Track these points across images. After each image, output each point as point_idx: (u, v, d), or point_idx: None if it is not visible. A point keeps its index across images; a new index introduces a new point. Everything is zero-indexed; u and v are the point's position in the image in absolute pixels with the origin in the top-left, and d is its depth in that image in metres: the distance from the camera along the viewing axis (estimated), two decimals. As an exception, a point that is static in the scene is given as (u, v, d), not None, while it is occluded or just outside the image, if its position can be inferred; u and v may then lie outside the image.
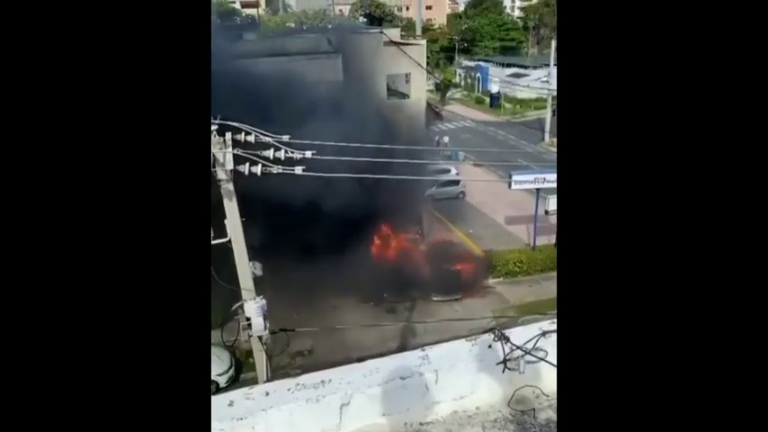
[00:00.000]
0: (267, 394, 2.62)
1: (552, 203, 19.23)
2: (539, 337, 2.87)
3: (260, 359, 9.41)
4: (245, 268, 8.69)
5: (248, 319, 8.82)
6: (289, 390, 2.64)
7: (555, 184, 18.72)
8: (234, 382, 12.43)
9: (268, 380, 8.99)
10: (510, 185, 19.98)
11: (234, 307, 8.86)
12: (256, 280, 8.94)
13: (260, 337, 9.05)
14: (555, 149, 30.87)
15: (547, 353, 2.78)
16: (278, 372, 9.90)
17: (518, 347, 2.80)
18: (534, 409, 2.73)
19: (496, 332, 2.87)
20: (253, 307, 8.75)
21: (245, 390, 2.66)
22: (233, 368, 13.01)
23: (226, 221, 8.20)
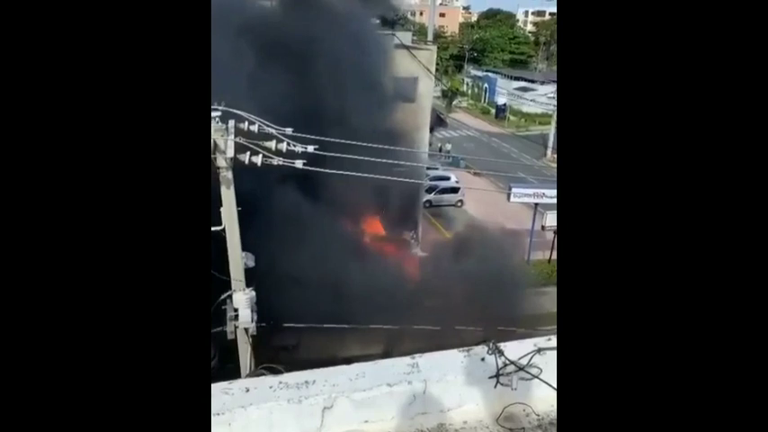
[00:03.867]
0: (247, 390, 2.51)
1: (549, 219, 19.23)
2: (534, 353, 2.77)
3: (244, 351, 9.30)
4: (238, 258, 8.58)
5: (236, 310, 8.71)
6: (271, 387, 2.53)
7: (554, 200, 18.76)
8: (218, 372, 12.30)
9: (250, 372, 8.89)
10: (509, 197, 19.97)
11: (222, 297, 8.74)
12: (247, 271, 8.83)
13: (246, 329, 8.94)
14: (556, 165, 30.86)
15: (541, 370, 2.68)
16: (260, 364, 9.75)
17: (512, 362, 2.71)
18: (524, 429, 2.63)
19: (491, 345, 2.77)
20: (242, 298, 8.64)
21: (224, 384, 2.55)
22: (216, 358, 12.88)
23: (221, 210, 8.10)
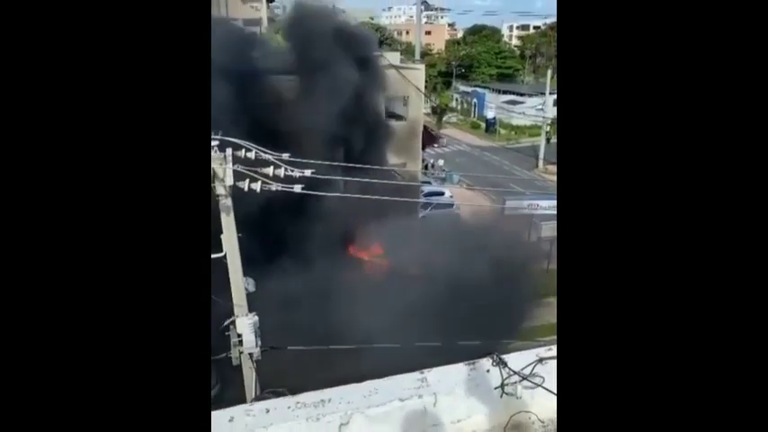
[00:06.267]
0: (267, 411, 2.64)
1: (544, 230, 19.44)
2: (536, 363, 2.92)
3: (249, 376, 9.34)
4: (239, 284, 8.68)
5: (239, 336, 8.79)
6: (289, 407, 2.66)
7: (547, 211, 19.00)
8: (221, 399, 12.22)
9: (256, 397, 8.92)
10: (503, 210, 20.19)
11: (225, 323, 8.82)
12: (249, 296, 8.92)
13: (251, 354, 9.00)
14: (548, 176, 31.20)
15: (544, 379, 2.83)
16: (264, 388, 9.76)
17: (515, 373, 2.85)
18: (530, 435, 2.77)
19: (494, 357, 2.92)
20: (245, 323, 8.72)
21: (245, 406, 2.69)
22: (218, 386, 12.81)
23: (222, 236, 8.23)
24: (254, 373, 9.30)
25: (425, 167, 26.02)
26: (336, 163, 9.12)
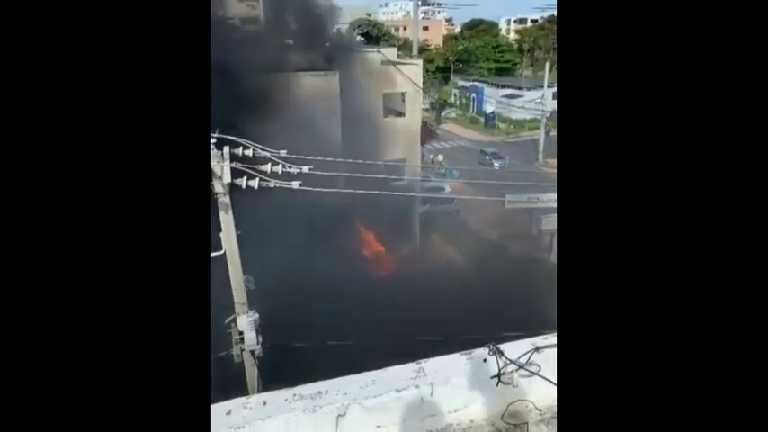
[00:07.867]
0: (264, 404, 2.65)
1: (545, 223, 19.45)
2: (532, 352, 2.92)
3: (251, 374, 9.37)
4: (239, 282, 8.70)
5: (240, 333, 8.82)
6: (286, 400, 2.67)
7: (548, 204, 19.02)
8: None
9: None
10: (504, 205, 20.19)
11: (227, 321, 8.85)
12: (249, 294, 8.94)
13: (252, 352, 9.02)
14: (548, 170, 31.18)
15: (540, 367, 2.83)
16: (267, 385, 9.81)
17: (512, 362, 2.85)
18: (527, 423, 2.78)
19: (491, 346, 2.92)
20: (245, 321, 8.74)
21: (242, 399, 2.70)
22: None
23: (221, 235, 8.24)
24: (257, 370, 9.32)
25: (422, 159, 25.97)
26: (335, 159, 9.09)
